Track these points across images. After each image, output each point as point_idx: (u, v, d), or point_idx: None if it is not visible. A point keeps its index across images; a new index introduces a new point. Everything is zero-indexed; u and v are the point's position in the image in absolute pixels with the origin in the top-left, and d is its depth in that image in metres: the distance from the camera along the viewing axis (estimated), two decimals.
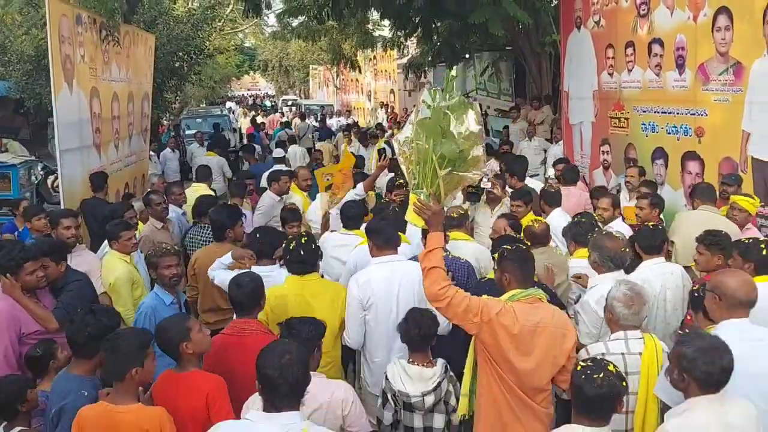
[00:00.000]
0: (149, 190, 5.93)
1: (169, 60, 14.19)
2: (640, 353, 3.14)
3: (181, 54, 14.84)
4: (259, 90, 60.00)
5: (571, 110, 9.77)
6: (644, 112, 7.73)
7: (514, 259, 3.14)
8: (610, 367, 2.73)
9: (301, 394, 2.47)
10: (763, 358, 2.88)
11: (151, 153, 11.97)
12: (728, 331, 2.89)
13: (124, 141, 9.61)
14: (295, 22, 16.18)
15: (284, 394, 2.41)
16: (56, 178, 6.77)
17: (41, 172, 11.63)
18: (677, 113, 7.08)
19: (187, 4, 16.32)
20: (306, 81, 45.08)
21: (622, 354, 3.14)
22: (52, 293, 4.09)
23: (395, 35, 14.79)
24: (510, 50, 13.54)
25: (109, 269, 4.64)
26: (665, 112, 7.31)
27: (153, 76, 11.71)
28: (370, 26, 16.36)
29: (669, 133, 7.25)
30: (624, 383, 2.73)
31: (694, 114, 6.79)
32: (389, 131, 15.46)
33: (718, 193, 5.62)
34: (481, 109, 15.47)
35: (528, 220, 5.03)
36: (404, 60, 17.54)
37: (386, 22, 16.98)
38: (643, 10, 7.52)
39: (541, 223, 4.79)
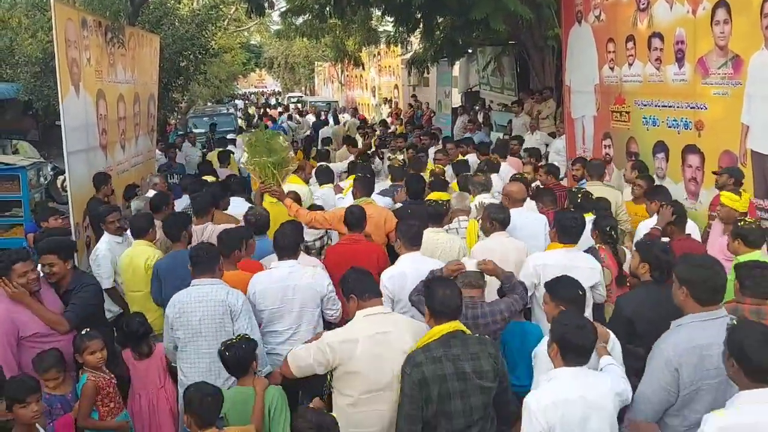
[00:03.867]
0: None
1: (175, 59, 14.32)
2: None
3: (186, 53, 14.96)
4: (266, 87, 60.13)
5: (573, 104, 9.80)
6: (645, 105, 7.76)
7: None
8: None
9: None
10: None
11: (158, 152, 12.09)
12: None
13: (130, 141, 9.73)
14: (298, 21, 16.24)
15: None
16: (65, 178, 6.91)
17: (51, 173, 11.78)
18: (677, 107, 7.11)
19: (192, 4, 16.41)
20: (311, 78, 45.19)
21: None
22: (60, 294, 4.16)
23: (398, 31, 14.84)
24: (512, 45, 13.56)
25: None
26: (665, 106, 7.35)
27: (159, 76, 11.83)
28: (373, 22, 16.39)
29: (669, 127, 7.28)
30: None
31: (693, 107, 6.83)
32: (392, 126, 15.53)
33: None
34: (484, 104, 15.67)
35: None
36: (408, 56, 17.56)
37: (390, 18, 17.06)
38: (643, 4, 7.54)
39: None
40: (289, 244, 4.33)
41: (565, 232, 4.39)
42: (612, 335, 3.38)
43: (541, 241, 5.13)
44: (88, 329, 3.94)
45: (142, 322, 4.21)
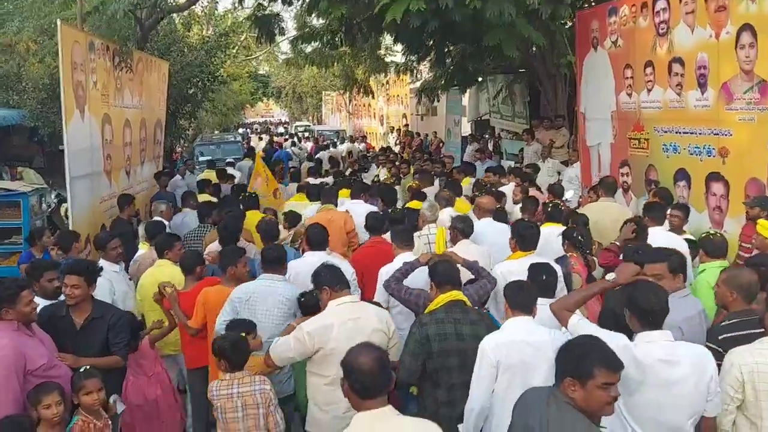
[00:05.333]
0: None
1: (183, 87, 14.25)
2: None
3: (194, 81, 14.91)
4: (272, 116, 60.51)
5: (588, 132, 9.58)
6: (665, 132, 7.52)
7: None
8: None
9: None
10: None
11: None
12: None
13: (135, 167, 9.57)
14: (308, 49, 16.22)
15: None
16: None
17: (54, 200, 11.59)
18: (700, 133, 6.87)
19: (202, 32, 16.43)
20: (319, 107, 45.41)
21: None
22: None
23: (408, 59, 14.76)
24: (523, 72, 13.42)
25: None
26: (687, 133, 7.11)
27: (167, 102, 11.72)
28: (382, 52, 16.36)
29: (692, 154, 7.03)
30: None
31: (717, 134, 6.58)
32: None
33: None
34: (494, 133, 15.48)
35: None
36: (417, 84, 17.49)
37: (399, 48, 17.03)
38: (663, 28, 7.36)
39: None
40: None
41: (523, 240, 4.88)
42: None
43: (506, 249, 5.43)
44: (87, 367, 3.73)
45: (136, 319, 4.58)
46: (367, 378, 2.52)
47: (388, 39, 16.79)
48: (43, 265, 4.68)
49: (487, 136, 16.10)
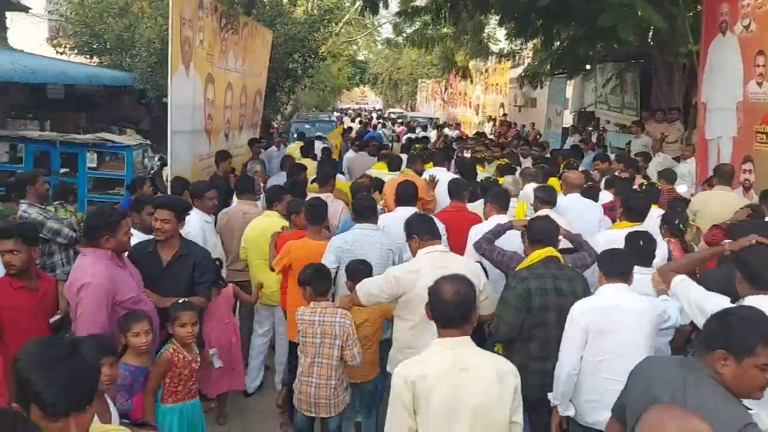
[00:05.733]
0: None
1: (284, 60, 14.37)
2: None
3: (296, 56, 15.02)
4: (367, 104, 60.89)
5: (708, 124, 8.81)
6: None
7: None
8: None
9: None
10: None
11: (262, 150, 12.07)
12: None
13: (234, 132, 9.68)
14: (409, 29, 16.02)
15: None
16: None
17: (157, 163, 11.98)
18: None
19: (306, 7, 16.53)
20: (414, 95, 45.22)
21: None
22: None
23: (512, 43, 14.20)
24: (636, 62, 12.58)
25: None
26: None
27: (268, 74, 11.82)
28: (485, 36, 15.88)
29: None
30: None
31: None
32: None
33: None
34: (598, 125, 14.68)
35: None
36: (519, 70, 16.87)
37: (501, 35, 16.51)
38: None
39: None
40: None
41: (631, 210, 4.77)
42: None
43: (592, 225, 5.42)
44: (185, 299, 3.84)
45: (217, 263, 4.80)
46: (446, 307, 2.59)
47: (491, 24, 16.33)
48: (146, 199, 4.86)
49: (590, 128, 15.32)
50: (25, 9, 14.03)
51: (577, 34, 11.07)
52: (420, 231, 3.86)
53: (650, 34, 10.70)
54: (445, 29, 16.05)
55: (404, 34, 15.99)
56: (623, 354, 3.15)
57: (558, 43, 12.23)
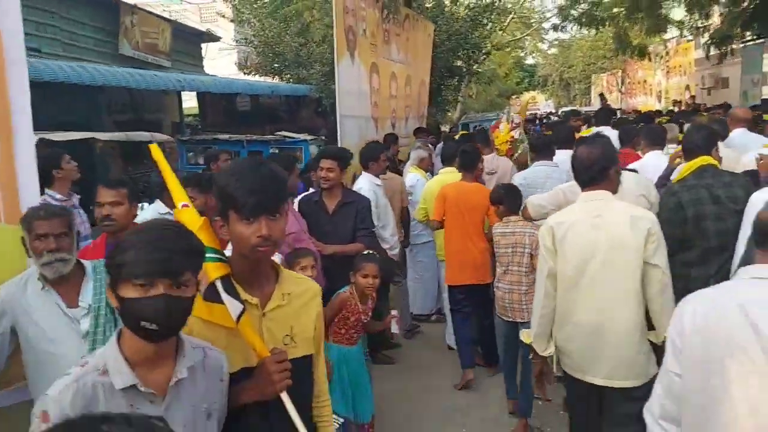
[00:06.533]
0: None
1: (448, 57, 14.53)
2: None
3: (460, 53, 15.12)
4: (538, 109, 59.23)
5: None
6: None
7: None
8: None
9: None
10: None
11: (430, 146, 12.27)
12: None
13: (400, 121, 9.93)
14: (575, 11, 15.35)
15: None
16: None
17: None
18: None
19: (468, 3, 16.58)
20: (588, 92, 43.23)
21: None
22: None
23: (692, 15, 12.88)
24: None
25: None
26: None
27: (432, 72, 11.99)
28: (663, 6, 14.64)
29: None
30: None
31: None
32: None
33: None
34: None
35: None
36: (705, 37, 15.23)
37: (679, 13, 15.16)
38: None
39: None
40: None
41: None
42: None
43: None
44: (370, 251, 3.93)
45: None
46: (581, 166, 2.88)
47: None
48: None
49: None
50: (216, 39, 15.86)
51: None
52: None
53: None
54: (615, 8, 15.16)
55: (571, 17, 15.29)
56: None
57: None
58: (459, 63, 15.80)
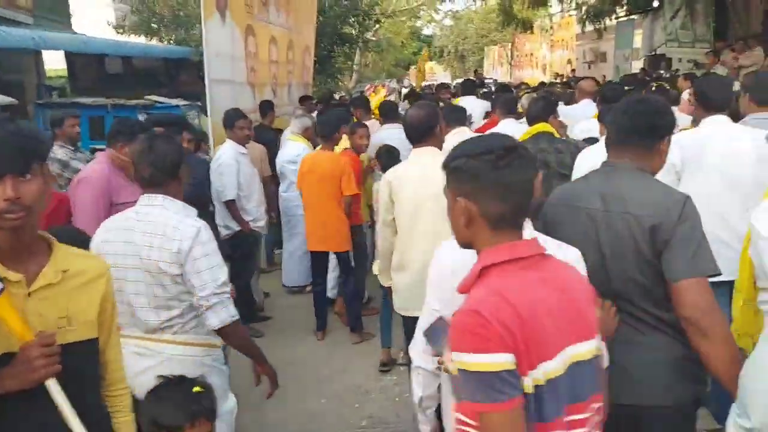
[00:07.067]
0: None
1: (336, 23, 14.24)
2: None
3: (350, 20, 14.86)
4: (435, 80, 60.06)
5: None
6: None
7: None
8: None
9: None
10: None
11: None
12: None
13: (282, 88, 9.61)
14: None
15: None
16: None
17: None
18: None
19: None
20: (481, 65, 44.25)
21: None
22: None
23: None
24: None
25: None
26: None
27: (321, 39, 11.69)
28: None
29: None
30: None
31: None
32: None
33: None
34: (670, 65, 13.74)
35: None
36: (579, 21, 15.87)
37: None
38: None
39: None
40: None
41: None
42: None
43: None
44: None
45: None
46: (411, 126, 3.36)
47: None
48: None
49: (662, 71, 14.33)
50: None
51: None
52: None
53: None
54: None
55: None
56: None
57: None
58: (349, 30, 15.56)
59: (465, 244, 1.56)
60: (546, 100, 4.21)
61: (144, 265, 2.38)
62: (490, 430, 1.37)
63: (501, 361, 1.35)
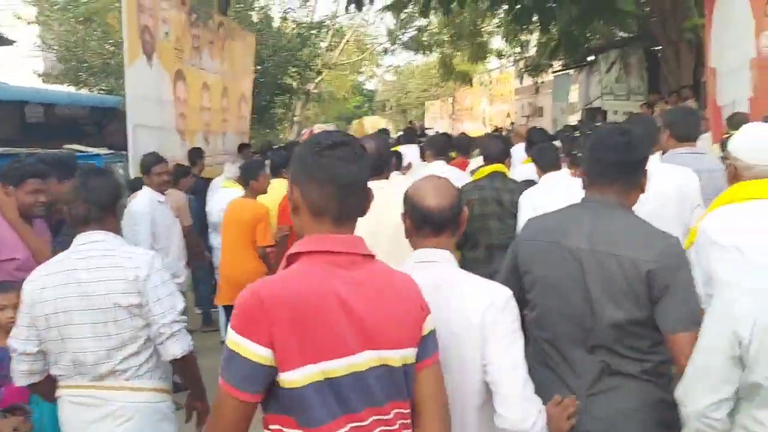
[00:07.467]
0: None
1: (276, 73, 13.99)
2: None
3: (289, 71, 14.66)
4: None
5: (719, 90, 8.12)
6: None
7: None
8: None
9: None
10: None
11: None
12: None
13: (216, 136, 9.16)
14: (405, 37, 15.67)
15: None
16: None
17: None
18: None
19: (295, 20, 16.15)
20: (422, 119, 45.06)
21: None
22: (51, 223, 3.38)
23: (510, 30, 13.53)
24: (639, 40, 11.92)
25: None
26: None
27: (260, 88, 11.38)
28: (484, 29, 15.34)
29: None
30: None
31: None
32: None
33: None
34: (605, 117, 14.06)
35: None
36: (517, 75, 16.23)
37: (499, 32, 15.98)
38: None
39: None
40: None
41: None
42: None
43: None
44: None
45: None
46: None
47: (488, 25, 15.85)
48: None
49: (599, 124, 14.66)
50: (9, 42, 13.89)
51: (574, 13, 10.47)
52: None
53: (651, 8, 10.08)
54: (440, 34, 15.65)
55: (399, 41, 15.57)
56: None
57: (554, 24, 11.54)
58: (289, 81, 15.35)
59: (299, 235, 1.54)
60: (506, 143, 4.45)
61: (93, 304, 2.23)
62: (219, 412, 1.41)
63: (260, 353, 1.37)
